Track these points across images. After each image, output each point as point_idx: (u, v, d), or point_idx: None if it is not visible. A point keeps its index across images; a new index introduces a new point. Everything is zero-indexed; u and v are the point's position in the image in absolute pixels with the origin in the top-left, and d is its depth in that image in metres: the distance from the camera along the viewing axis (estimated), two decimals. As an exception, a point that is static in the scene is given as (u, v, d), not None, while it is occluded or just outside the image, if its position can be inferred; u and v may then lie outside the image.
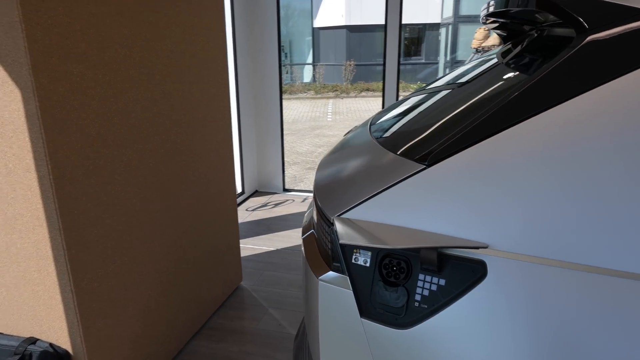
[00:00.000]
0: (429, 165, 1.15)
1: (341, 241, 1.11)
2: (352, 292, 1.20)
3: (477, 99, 1.28)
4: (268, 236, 4.42)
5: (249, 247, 4.17)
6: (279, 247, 4.16)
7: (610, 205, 0.96)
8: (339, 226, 1.19)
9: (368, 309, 1.19)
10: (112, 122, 1.92)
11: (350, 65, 20.37)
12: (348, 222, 1.21)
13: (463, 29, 19.71)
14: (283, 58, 21.38)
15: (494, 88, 1.28)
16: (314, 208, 1.48)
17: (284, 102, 17.11)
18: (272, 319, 2.98)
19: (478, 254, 1.06)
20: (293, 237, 4.34)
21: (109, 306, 1.99)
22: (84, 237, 1.82)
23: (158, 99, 2.21)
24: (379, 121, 1.78)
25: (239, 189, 5.33)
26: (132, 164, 2.06)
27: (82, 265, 1.82)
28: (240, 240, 4.39)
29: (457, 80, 1.70)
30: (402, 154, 1.26)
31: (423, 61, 22.31)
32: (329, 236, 1.29)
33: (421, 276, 1.13)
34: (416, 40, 22.57)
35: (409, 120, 1.53)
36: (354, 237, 1.12)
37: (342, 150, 1.65)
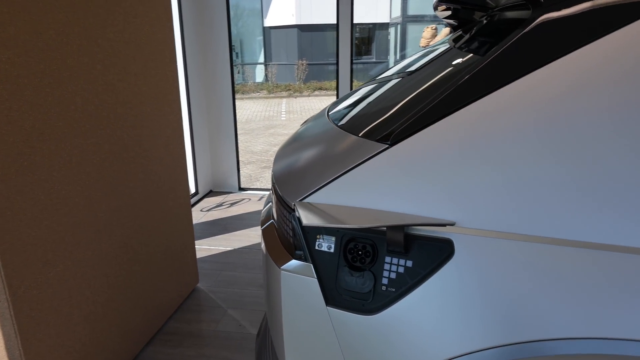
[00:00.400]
0: (391, 145, 1.12)
1: (305, 223, 1.05)
2: (316, 279, 1.15)
3: (434, 80, 1.25)
4: (224, 236, 4.30)
5: (205, 247, 4.04)
6: (236, 247, 4.06)
7: (569, 177, 0.95)
8: (301, 211, 1.12)
9: (334, 296, 1.14)
10: (49, 115, 1.77)
11: (302, 64, 20.36)
12: (310, 207, 1.15)
13: (411, 28, 20.18)
14: (234, 58, 21.07)
15: (451, 69, 1.26)
16: (274, 197, 1.41)
17: (237, 102, 16.85)
18: (231, 320, 2.88)
19: (445, 233, 1.04)
20: (250, 236, 4.25)
21: (51, 315, 1.83)
22: (19, 240, 1.66)
23: (100, 90, 2.07)
24: (337, 109, 1.74)
25: (192, 189, 5.16)
26: (74, 160, 1.91)
27: (18, 271, 1.66)
28: (196, 242, 4.25)
29: (412, 66, 1.68)
30: (364, 136, 1.22)
31: (374, 60, 22.66)
32: (290, 223, 1.23)
33: (387, 259, 1.09)
34: (367, 39, 22.89)
35: (368, 104, 1.49)
36: (316, 220, 1.07)
37: (300, 139, 1.59)
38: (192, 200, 5.09)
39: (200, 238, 4.18)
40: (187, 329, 2.77)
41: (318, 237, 1.17)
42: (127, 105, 2.30)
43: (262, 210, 1.64)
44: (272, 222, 1.45)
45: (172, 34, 2.71)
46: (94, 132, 2.06)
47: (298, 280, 1.18)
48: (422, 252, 1.06)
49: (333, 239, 1.16)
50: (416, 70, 1.56)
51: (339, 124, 1.42)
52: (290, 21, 22.04)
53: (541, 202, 0.96)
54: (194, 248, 3.27)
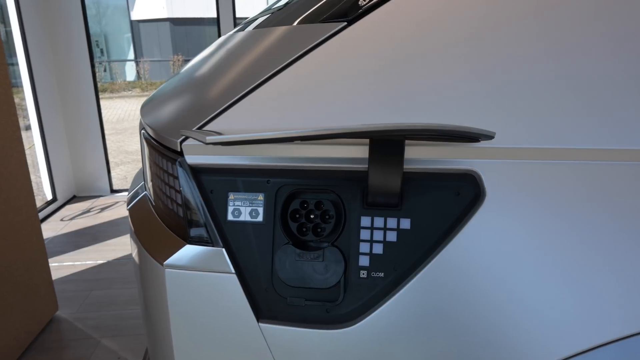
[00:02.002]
0: (354, 20, 0.62)
1: (206, 178, 0.52)
2: (234, 275, 0.61)
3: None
4: (94, 247, 3.56)
5: (68, 265, 3.26)
6: (109, 259, 3.33)
7: None
8: (194, 158, 0.58)
9: (270, 303, 0.62)
10: None
11: (178, 60, 18.98)
12: (212, 148, 0.61)
13: (290, 23, 19.97)
14: (99, 55, 19.02)
15: None
16: (146, 149, 0.83)
17: (107, 102, 15.35)
18: (107, 353, 2.22)
19: (466, 162, 0.58)
20: (127, 244, 3.53)
21: None
22: None
23: None
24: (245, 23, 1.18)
25: (48, 196, 4.36)
26: None
27: None
28: (55, 258, 3.47)
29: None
30: (304, 21, 0.70)
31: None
32: (175, 182, 0.67)
33: (365, 221, 0.60)
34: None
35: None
36: (226, 160, 0.54)
37: (184, 71, 1.01)
38: (49, 209, 4.45)
39: (60, 253, 3.40)
40: (40, 376, 2.02)
41: (232, 196, 0.63)
42: None
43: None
44: (145, 194, 0.87)
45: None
46: None
47: (199, 280, 0.63)
48: (428, 200, 0.59)
49: (260, 196, 0.63)
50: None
51: (255, 27, 0.87)
52: (161, 14, 20.43)
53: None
54: (48, 267, 2.55)
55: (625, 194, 0.57)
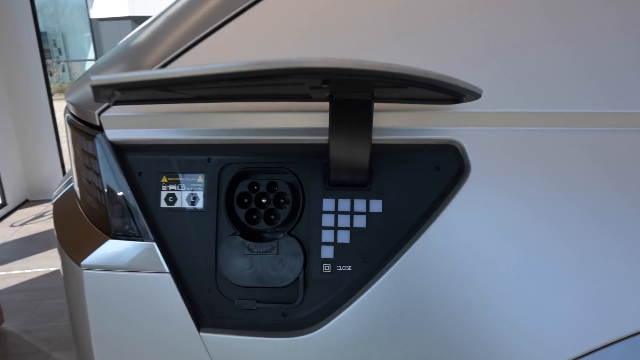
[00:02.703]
0: None
1: (133, 158, 0.41)
2: (169, 275, 0.50)
3: None
4: (47, 254, 3.40)
5: (17, 273, 3.09)
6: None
7: None
8: (116, 132, 0.48)
9: (214, 308, 0.51)
10: None
11: (142, 60, 18.49)
12: (137, 120, 0.50)
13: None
14: (56, 54, 18.30)
15: None
16: (68, 131, 0.69)
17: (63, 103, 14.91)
18: None
19: (448, 131, 0.48)
20: None
21: None
22: None
23: None
24: None
25: None
26: None
27: None
28: (2, 267, 3.32)
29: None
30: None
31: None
32: (94, 163, 0.55)
33: (328, 204, 0.50)
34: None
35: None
36: (159, 141, 0.43)
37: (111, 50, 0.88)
38: (-1, 214, 4.26)
39: (9, 261, 3.25)
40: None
41: (165, 178, 0.52)
42: None
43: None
44: (72, 186, 0.74)
45: None
46: None
47: (126, 283, 0.52)
48: (402, 178, 0.49)
49: (200, 178, 0.52)
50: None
51: None
52: (123, 12, 19.78)
53: None
54: (-10, 276, 2.35)
55: (631, 163, 0.48)
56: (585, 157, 0.49)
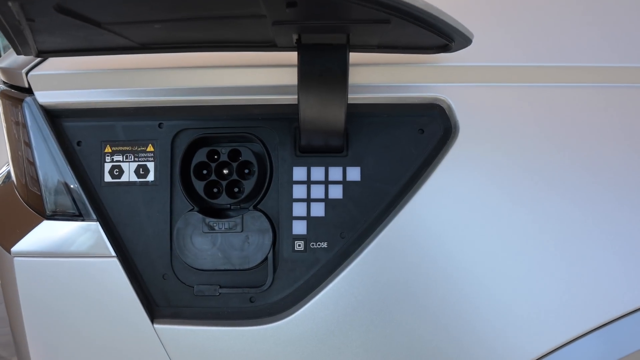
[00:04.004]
0: None
1: (70, 125, 0.38)
2: (116, 260, 0.42)
3: None
4: None
5: None
6: None
7: None
8: (47, 94, 0.41)
9: (170, 295, 0.45)
10: None
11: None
12: (71, 79, 0.43)
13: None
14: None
15: None
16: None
17: None
18: None
19: (433, 88, 0.43)
20: None
21: None
22: None
23: None
24: None
25: None
26: None
27: None
28: None
29: None
30: None
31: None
32: (25, 133, 0.47)
33: (299, 173, 0.44)
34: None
35: None
36: (100, 104, 0.36)
37: None
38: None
39: None
40: None
41: (108, 148, 0.45)
42: None
43: None
44: (7, 168, 0.65)
45: None
46: None
47: (65, 270, 0.44)
48: (382, 142, 0.44)
49: (150, 146, 0.45)
50: None
51: None
52: None
53: None
54: None
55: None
56: (587, 116, 0.44)
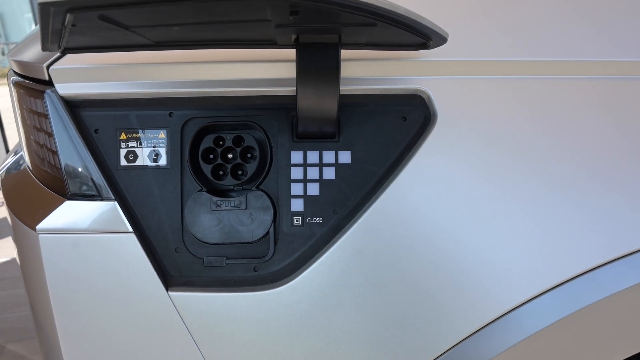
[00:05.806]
0: None
1: (88, 114, 0.44)
2: (133, 235, 0.48)
3: None
4: None
5: None
6: (15, 256, 2.96)
7: None
8: (67, 86, 0.47)
9: (182, 266, 0.50)
10: None
11: (89, 42, 17.62)
12: (90, 72, 0.47)
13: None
14: (-5, 36, 17.17)
15: None
16: (15, 103, 0.65)
17: (5, 88, 14.10)
18: (14, 359, 2.00)
19: (414, 80, 0.48)
20: None
21: None
22: None
23: None
24: None
25: None
26: None
27: None
28: None
29: None
30: None
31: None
32: (46, 124, 0.51)
33: (296, 157, 0.49)
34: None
35: None
36: (116, 95, 0.41)
37: None
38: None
39: None
40: None
41: (124, 135, 0.50)
42: None
43: None
44: (21, 155, 0.70)
45: None
46: None
47: (87, 245, 0.49)
48: (370, 128, 0.49)
49: (162, 133, 0.50)
50: None
51: None
52: (66, -8, 18.80)
53: None
54: None
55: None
56: (554, 105, 0.50)
